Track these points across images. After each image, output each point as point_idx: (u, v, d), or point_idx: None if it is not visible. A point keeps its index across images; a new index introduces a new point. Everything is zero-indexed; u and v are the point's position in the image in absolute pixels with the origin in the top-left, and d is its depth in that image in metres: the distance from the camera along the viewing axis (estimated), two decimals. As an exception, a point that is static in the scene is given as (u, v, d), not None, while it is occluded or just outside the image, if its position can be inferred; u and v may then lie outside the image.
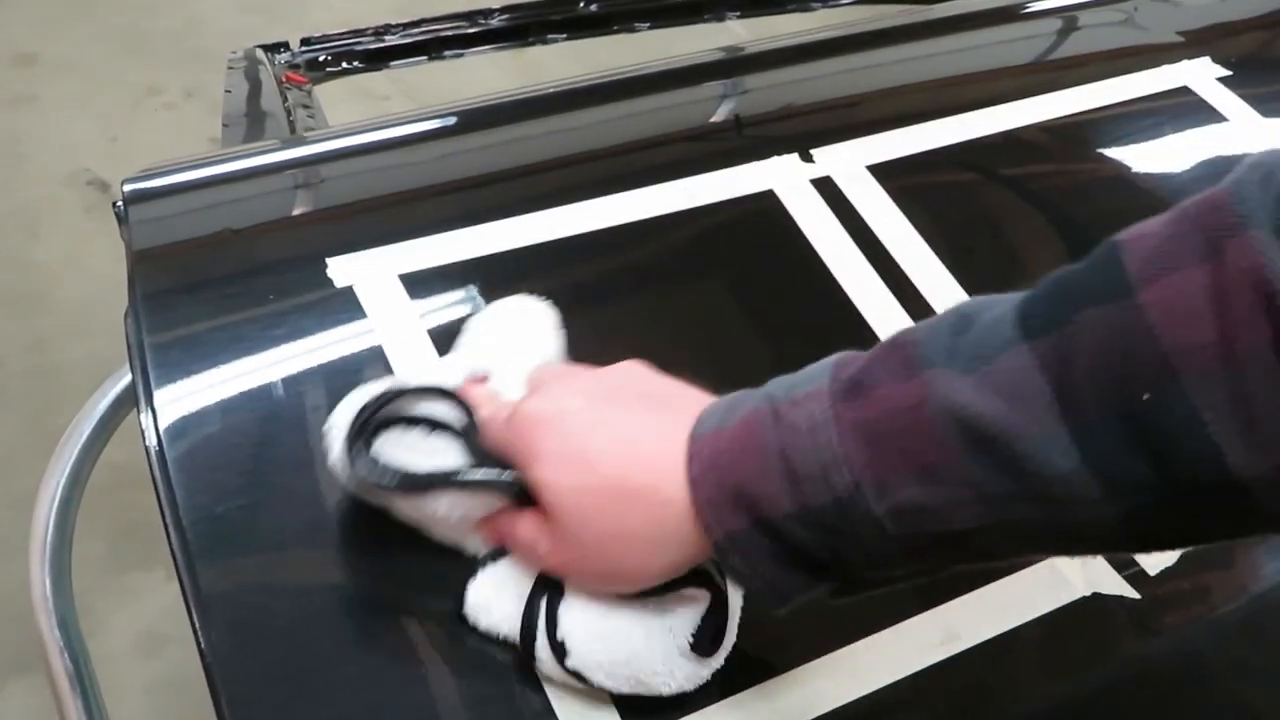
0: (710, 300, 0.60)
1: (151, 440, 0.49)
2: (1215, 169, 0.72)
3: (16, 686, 1.32)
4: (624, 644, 0.42)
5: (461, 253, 0.58)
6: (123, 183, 0.59)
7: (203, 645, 0.43)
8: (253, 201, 0.62)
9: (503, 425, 0.43)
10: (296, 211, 0.61)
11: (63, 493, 0.55)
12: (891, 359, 0.36)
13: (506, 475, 0.43)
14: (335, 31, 1.04)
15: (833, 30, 0.81)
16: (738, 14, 1.18)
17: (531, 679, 0.44)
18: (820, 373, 0.38)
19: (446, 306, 0.56)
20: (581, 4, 1.07)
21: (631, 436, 0.40)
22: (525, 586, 0.44)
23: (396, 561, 0.47)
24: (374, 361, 0.53)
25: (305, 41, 1.04)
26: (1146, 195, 0.71)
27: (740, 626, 0.47)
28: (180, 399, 0.50)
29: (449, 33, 1.04)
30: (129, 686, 1.33)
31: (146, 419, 0.49)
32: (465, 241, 0.58)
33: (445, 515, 0.44)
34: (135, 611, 1.40)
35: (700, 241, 0.61)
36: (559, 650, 0.42)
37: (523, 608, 0.43)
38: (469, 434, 0.44)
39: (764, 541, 0.37)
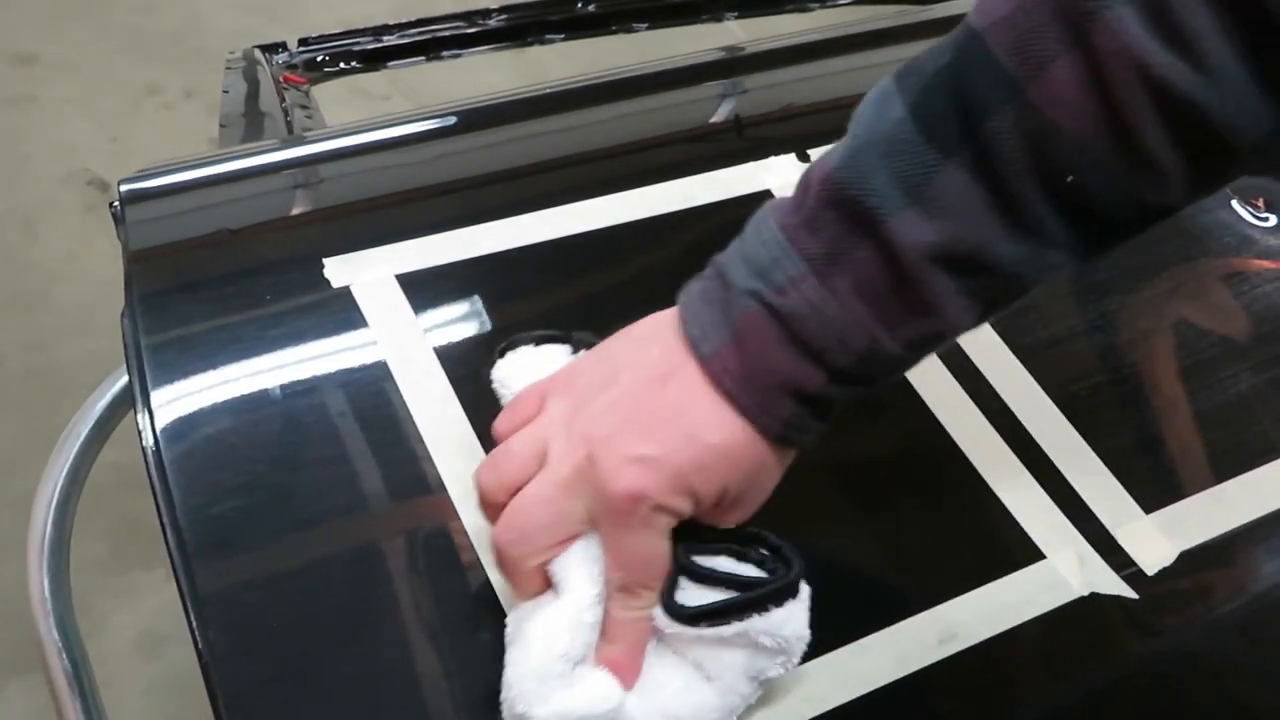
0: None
1: (148, 441, 0.49)
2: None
3: (15, 687, 1.31)
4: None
5: (459, 253, 0.58)
6: (119, 183, 0.59)
7: (200, 645, 0.43)
8: (250, 202, 0.62)
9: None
10: (294, 212, 0.61)
11: (61, 492, 0.55)
12: (844, 220, 0.38)
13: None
14: (333, 31, 1.03)
15: (831, 30, 0.81)
16: (736, 14, 1.17)
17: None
18: (779, 251, 0.39)
19: (444, 307, 0.56)
20: (580, 4, 1.07)
21: (670, 414, 0.40)
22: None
23: (395, 562, 0.47)
24: (371, 362, 0.53)
25: (303, 42, 1.03)
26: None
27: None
28: (177, 399, 0.50)
29: (448, 33, 1.04)
30: (128, 687, 1.33)
31: (143, 419, 0.49)
32: (463, 242, 0.58)
33: None
34: (134, 612, 1.40)
35: (699, 241, 0.61)
36: None
37: None
38: None
39: (811, 411, 0.40)
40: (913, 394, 0.56)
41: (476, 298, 0.56)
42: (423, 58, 1.03)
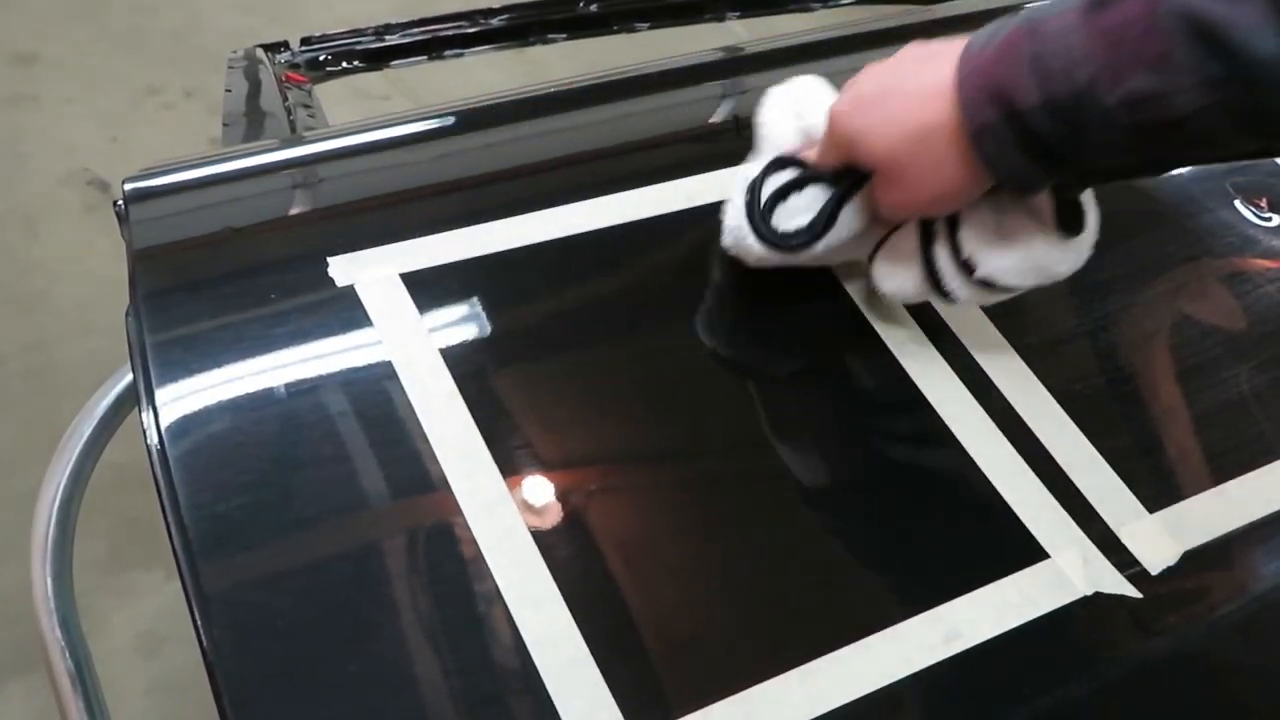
0: (710, 297, 0.60)
1: (153, 439, 0.49)
2: (1219, 170, 0.72)
3: (16, 687, 1.31)
4: (1020, 242, 0.52)
5: (462, 252, 0.58)
6: (123, 182, 0.59)
7: (204, 644, 0.43)
8: (253, 201, 0.62)
9: (830, 128, 0.53)
10: (297, 211, 0.61)
11: (64, 491, 0.55)
12: None
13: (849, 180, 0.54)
14: (335, 31, 1.03)
15: (833, 30, 0.81)
16: (738, 14, 1.17)
17: (533, 677, 0.44)
18: None
19: (448, 305, 0.56)
20: (581, 4, 1.07)
21: (906, 79, 0.49)
22: (912, 249, 0.55)
23: (399, 560, 0.47)
24: (375, 361, 0.53)
25: (305, 41, 1.03)
26: (1148, 195, 0.71)
27: (742, 625, 0.47)
28: (182, 398, 0.50)
29: (449, 32, 1.04)
30: (128, 687, 1.33)
31: (148, 417, 0.49)
32: (466, 240, 0.58)
33: (839, 242, 0.55)
34: (133, 612, 1.40)
35: (700, 241, 0.61)
36: (966, 267, 0.53)
37: (919, 262, 0.54)
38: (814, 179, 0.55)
39: (1011, 132, 0.46)
40: (917, 394, 0.57)
41: (480, 296, 0.56)
42: (425, 57, 1.03)
